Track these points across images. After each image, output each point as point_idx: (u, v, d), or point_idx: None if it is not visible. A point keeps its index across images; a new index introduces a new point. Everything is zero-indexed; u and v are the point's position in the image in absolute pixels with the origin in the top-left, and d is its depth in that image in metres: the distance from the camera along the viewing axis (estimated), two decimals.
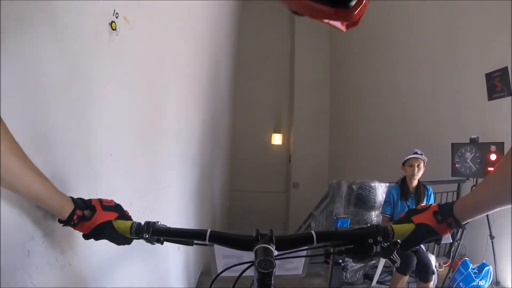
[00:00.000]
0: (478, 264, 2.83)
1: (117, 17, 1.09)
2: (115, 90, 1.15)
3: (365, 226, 0.73)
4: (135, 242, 0.78)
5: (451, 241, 2.80)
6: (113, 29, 1.07)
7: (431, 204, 0.75)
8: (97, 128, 1.02)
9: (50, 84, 0.78)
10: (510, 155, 0.63)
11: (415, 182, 2.62)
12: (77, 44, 0.90)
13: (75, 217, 0.70)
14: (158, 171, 1.76)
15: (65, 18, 0.83)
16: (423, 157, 2.56)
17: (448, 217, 0.70)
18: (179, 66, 2.14)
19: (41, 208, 0.71)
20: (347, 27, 0.57)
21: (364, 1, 0.47)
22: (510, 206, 0.64)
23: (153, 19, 1.53)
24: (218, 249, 0.80)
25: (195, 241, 0.73)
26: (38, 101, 0.74)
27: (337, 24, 0.55)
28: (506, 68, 2.91)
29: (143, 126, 1.49)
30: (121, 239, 0.76)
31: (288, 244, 0.71)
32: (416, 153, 2.56)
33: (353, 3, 0.47)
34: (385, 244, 0.71)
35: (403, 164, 2.63)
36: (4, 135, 0.56)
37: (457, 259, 2.90)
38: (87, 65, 0.95)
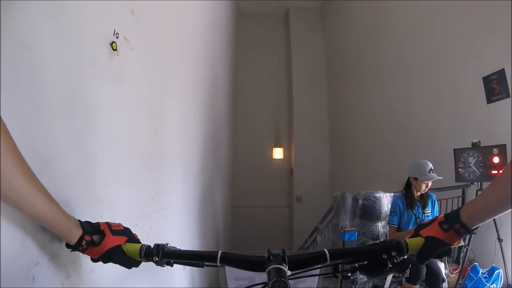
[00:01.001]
0: (488, 268, 2.78)
1: (117, 38, 1.10)
2: (117, 110, 1.15)
3: (378, 241, 0.72)
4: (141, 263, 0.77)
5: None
6: (114, 50, 1.08)
7: (437, 216, 0.75)
8: (99, 150, 1.01)
9: (50, 106, 0.77)
10: None
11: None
12: (78, 65, 0.90)
13: (83, 243, 0.68)
14: (161, 191, 1.75)
15: (65, 39, 0.83)
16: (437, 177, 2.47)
17: (455, 223, 0.69)
18: (179, 84, 2.14)
19: (48, 231, 0.69)
20: None
21: None
22: None
23: (152, 38, 1.54)
24: (229, 270, 0.78)
25: (205, 263, 0.72)
26: (38, 124, 0.73)
27: None
28: (503, 70, 2.93)
29: (145, 145, 1.48)
30: (130, 262, 0.75)
31: (301, 263, 0.69)
32: (432, 170, 2.46)
33: None
34: (398, 259, 0.69)
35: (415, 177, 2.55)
36: (12, 151, 0.54)
37: (466, 265, 2.85)
38: (88, 86, 0.95)
